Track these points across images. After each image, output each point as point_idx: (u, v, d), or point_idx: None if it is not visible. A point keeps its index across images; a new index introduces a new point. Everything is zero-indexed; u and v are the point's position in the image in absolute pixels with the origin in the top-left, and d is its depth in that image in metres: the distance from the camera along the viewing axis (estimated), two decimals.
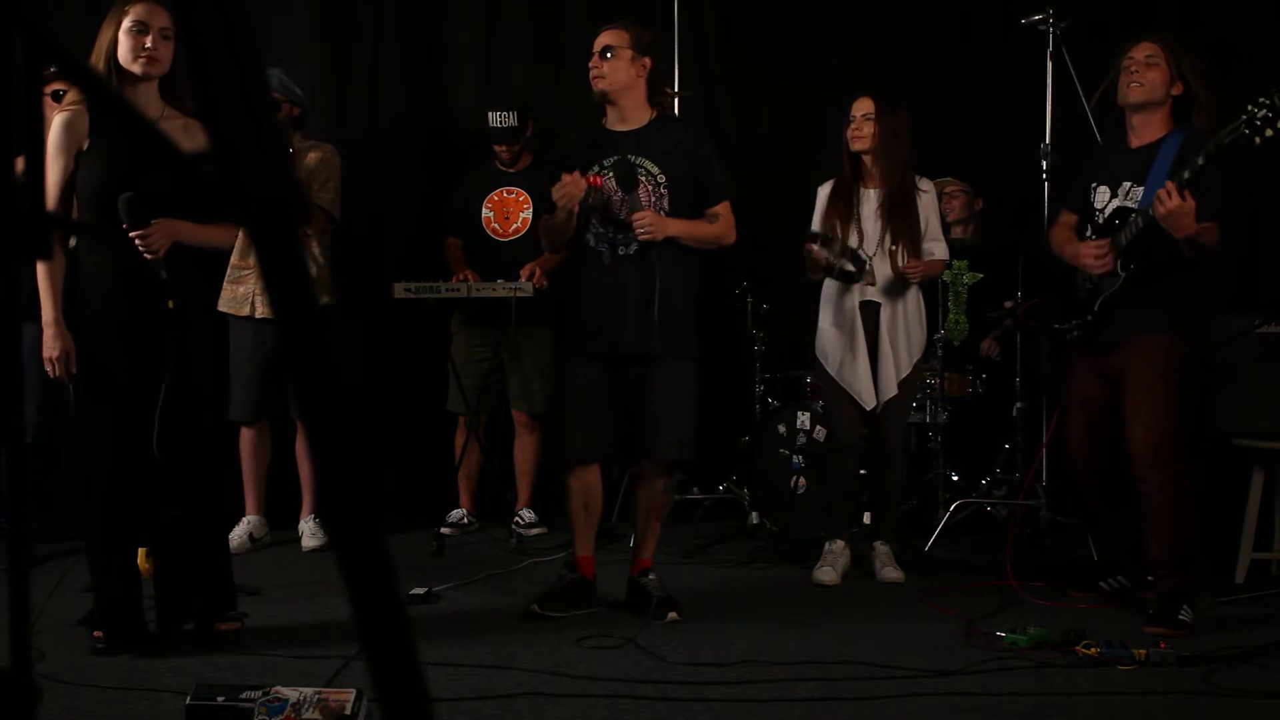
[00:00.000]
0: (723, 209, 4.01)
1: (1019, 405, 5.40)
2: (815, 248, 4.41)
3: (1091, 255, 3.93)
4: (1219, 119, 3.72)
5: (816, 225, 4.57)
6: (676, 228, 3.92)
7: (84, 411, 3.47)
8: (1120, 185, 3.93)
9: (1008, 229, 5.86)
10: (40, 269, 3.40)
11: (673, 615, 3.85)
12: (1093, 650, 3.35)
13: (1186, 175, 3.61)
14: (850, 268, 4.39)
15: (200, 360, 3.53)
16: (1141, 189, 3.86)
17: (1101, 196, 3.98)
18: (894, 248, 4.44)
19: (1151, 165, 3.84)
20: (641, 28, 4.03)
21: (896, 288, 4.49)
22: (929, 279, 4.68)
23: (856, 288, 4.48)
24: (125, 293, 3.40)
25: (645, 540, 4.09)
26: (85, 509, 3.49)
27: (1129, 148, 3.96)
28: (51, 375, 3.43)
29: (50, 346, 3.39)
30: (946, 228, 5.81)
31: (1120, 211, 3.89)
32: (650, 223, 3.86)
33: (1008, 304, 5.66)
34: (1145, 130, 3.92)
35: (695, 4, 5.86)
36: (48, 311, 3.39)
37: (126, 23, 3.42)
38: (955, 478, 5.45)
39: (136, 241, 3.34)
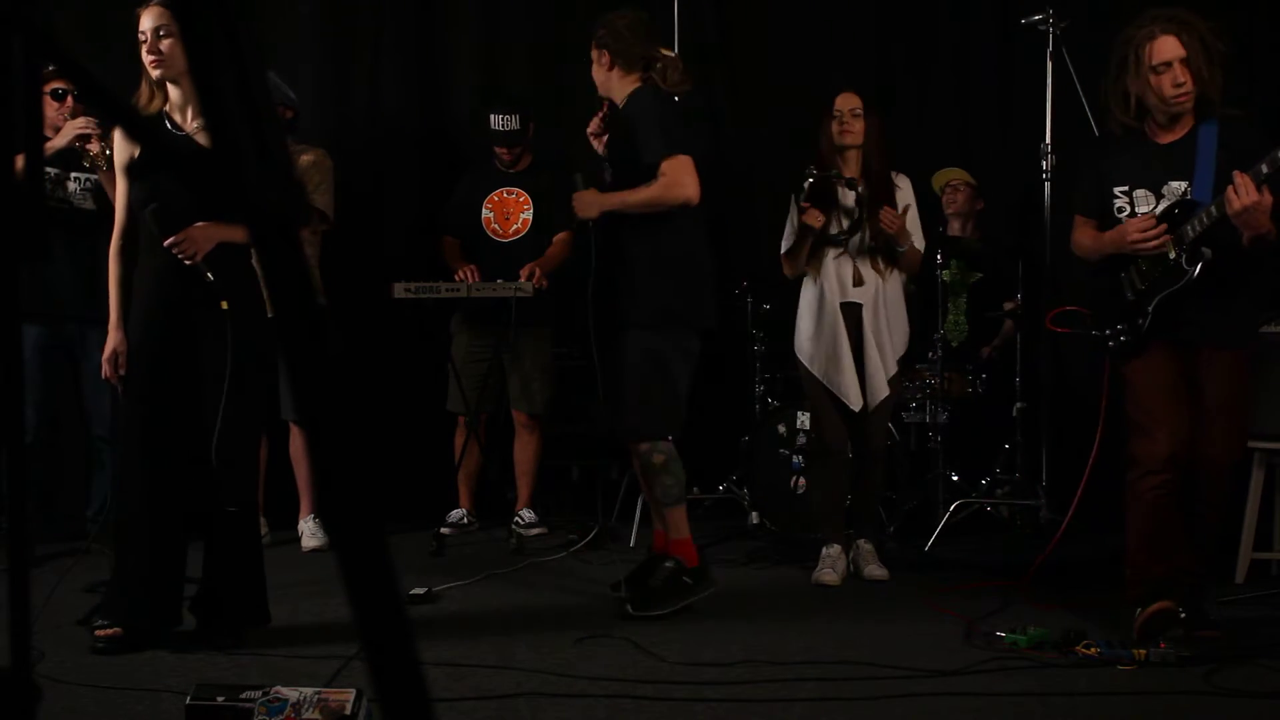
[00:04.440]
0: (666, 166, 3.84)
1: (1019, 405, 5.40)
2: (809, 205, 4.45)
3: (1138, 231, 3.59)
4: (1223, 93, 3.58)
5: (792, 224, 4.59)
6: (609, 201, 3.95)
7: (127, 409, 3.56)
8: (1164, 186, 3.62)
9: (1008, 229, 5.86)
10: (112, 274, 3.61)
11: (629, 608, 3.87)
12: (1093, 650, 3.34)
13: (1265, 170, 3.32)
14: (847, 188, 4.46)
15: (262, 359, 3.58)
16: (1193, 187, 3.56)
17: (1143, 202, 3.66)
18: (873, 244, 4.47)
19: (1195, 159, 3.56)
20: (601, 22, 4.05)
21: (879, 284, 4.50)
22: (911, 271, 4.67)
23: (839, 289, 4.49)
24: (175, 296, 3.46)
25: (656, 517, 4.07)
26: (116, 503, 3.60)
27: (1157, 144, 3.65)
28: (104, 375, 3.63)
29: (106, 346, 3.60)
30: (945, 220, 5.83)
31: (1183, 204, 3.56)
32: (577, 204, 3.95)
33: (1008, 305, 5.66)
34: (1177, 124, 3.62)
35: (695, 3, 5.86)
36: (113, 315, 3.61)
37: (139, 32, 3.48)
38: (955, 478, 5.45)
39: (173, 249, 3.40)
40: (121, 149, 3.59)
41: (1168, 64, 3.55)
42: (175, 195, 3.40)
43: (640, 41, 3.99)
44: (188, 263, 3.42)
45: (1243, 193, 3.33)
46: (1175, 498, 3.60)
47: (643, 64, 3.99)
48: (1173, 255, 3.56)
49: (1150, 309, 3.62)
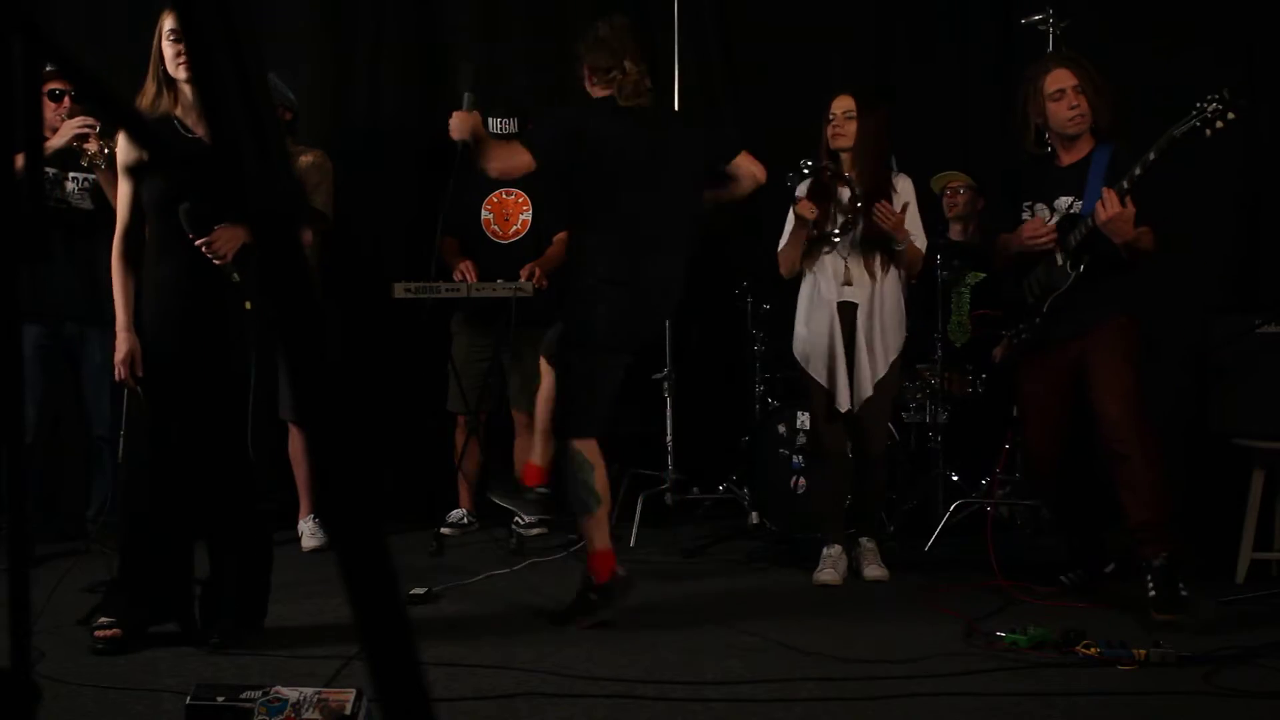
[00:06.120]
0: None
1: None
2: (805, 199, 4.48)
3: (1032, 232, 4.05)
4: (1120, 125, 4.08)
5: (789, 225, 4.61)
6: (480, 129, 3.89)
7: (149, 411, 3.56)
8: (1057, 200, 4.09)
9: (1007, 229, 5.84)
10: (117, 276, 3.56)
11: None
12: (1093, 650, 3.35)
13: (1126, 185, 3.81)
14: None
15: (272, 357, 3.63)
16: (1080, 201, 4.02)
17: (1041, 214, 4.12)
18: (867, 241, 4.46)
19: (1086, 178, 4.01)
20: (585, 34, 3.97)
21: (872, 284, 4.49)
22: (912, 269, 4.65)
23: (835, 288, 4.48)
24: (197, 297, 3.47)
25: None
26: (123, 500, 3.64)
27: (1059, 166, 4.12)
28: (118, 379, 3.59)
29: (118, 349, 3.55)
30: (947, 224, 5.82)
31: (1068, 218, 4.05)
32: (452, 124, 3.88)
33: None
34: (1076, 147, 4.09)
35: (695, 4, 5.86)
36: (120, 317, 3.56)
37: (165, 31, 3.50)
38: (955, 478, 5.45)
39: (202, 249, 3.42)
40: (127, 149, 3.59)
41: (1062, 90, 4.05)
42: (203, 196, 3.41)
43: (608, 53, 3.84)
44: (217, 263, 3.45)
45: (1108, 206, 3.81)
46: (1058, 487, 4.25)
47: (607, 75, 3.85)
48: (1060, 261, 4.05)
49: (1045, 308, 4.10)
